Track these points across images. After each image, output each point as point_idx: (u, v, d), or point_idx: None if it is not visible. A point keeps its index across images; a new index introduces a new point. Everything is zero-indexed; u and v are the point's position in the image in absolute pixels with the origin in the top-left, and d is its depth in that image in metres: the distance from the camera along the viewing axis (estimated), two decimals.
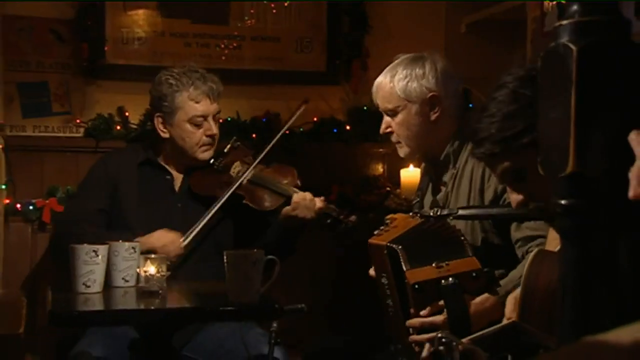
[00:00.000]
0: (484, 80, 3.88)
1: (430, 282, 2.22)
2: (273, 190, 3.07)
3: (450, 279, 2.21)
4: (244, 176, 3.05)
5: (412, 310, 2.27)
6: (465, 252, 2.30)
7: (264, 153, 3.11)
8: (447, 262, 2.24)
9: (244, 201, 3.03)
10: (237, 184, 3.02)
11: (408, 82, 2.66)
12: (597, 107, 0.95)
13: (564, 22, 0.98)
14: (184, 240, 2.89)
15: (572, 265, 0.97)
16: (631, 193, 0.90)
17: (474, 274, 2.24)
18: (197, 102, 3.01)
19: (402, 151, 2.75)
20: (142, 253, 2.58)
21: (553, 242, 1.93)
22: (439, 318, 2.24)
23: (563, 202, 0.97)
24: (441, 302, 2.24)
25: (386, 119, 2.75)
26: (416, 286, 2.21)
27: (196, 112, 3.01)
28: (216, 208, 2.95)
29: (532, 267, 1.61)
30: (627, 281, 0.94)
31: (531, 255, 1.66)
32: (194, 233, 2.92)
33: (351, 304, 3.91)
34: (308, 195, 3.00)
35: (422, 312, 2.25)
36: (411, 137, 2.70)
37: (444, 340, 1.30)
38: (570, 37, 0.97)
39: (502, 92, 1.82)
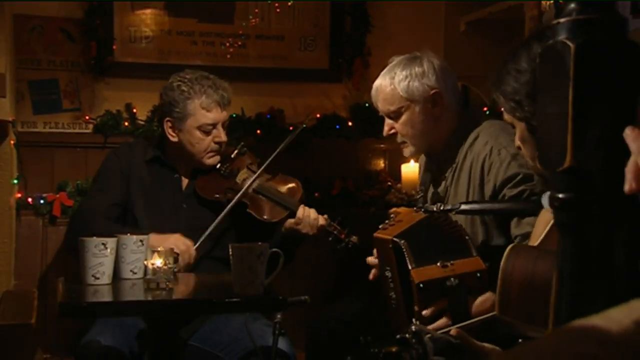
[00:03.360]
0: (482, 78, 3.95)
1: (435, 281, 2.24)
2: (277, 202, 3.08)
3: (455, 279, 2.23)
4: (249, 185, 3.05)
5: (416, 308, 2.28)
6: (469, 251, 2.31)
7: (268, 161, 3.09)
8: (452, 262, 2.26)
9: (248, 210, 3.04)
10: (242, 192, 3.02)
11: (409, 82, 2.65)
12: (594, 103, 0.95)
13: (562, 20, 0.99)
14: (194, 248, 2.89)
15: (568, 258, 0.98)
16: (626, 187, 0.91)
17: (478, 275, 2.26)
18: (208, 111, 3.00)
19: (408, 150, 2.75)
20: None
21: (538, 230, 1.96)
22: (440, 322, 2.26)
23: (560, 196, 0.97)
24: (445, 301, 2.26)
25: (388, 121, 2.74)
26: (421, 285, 2.23)
27: (207, 120, 3.00)
28: (221, 217, 2.95)
29: (508, 262, 1.63)
30: (622, 273, 0.95)
31: (506, 250, 1.68)
32: (201, 240, 2.91)
33: (354, 296, 3.95)
34: (312, 212, 3.01)
35: (424, 312, 2.26)
36: (417, 135, 2.69)
37: (413, 329, 1.31)
38: (568, 34, 0.97)
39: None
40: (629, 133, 0.92)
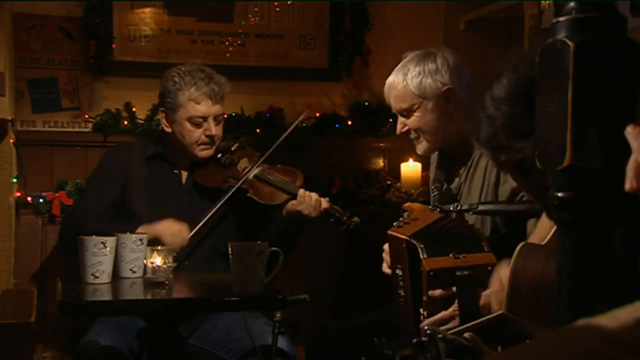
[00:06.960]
0: (482, 77, 3.95)
1: (446, 270, 2.22)
2: (278, 187, 3.09)
3: (466, 271, 2.21)
4: (251, 170, 3.08)
5: (424, 298, 2.26)
6: (482, 248, 2.29)
7: (271, 150, 3.13)
8: (464, 255, 2.24)
9: (248, 194, 3.05)
10: (244, 176, 3.05)
11: (422, 78, 2.64)
12: (594, 101, 0.96)
13: (561, 18, 1.00)
14: (190, 233, 2.92)
15: (568, 256, 0.99)
16: (627, 186, 0.91)
17: (489, 268, 2.23)
18: (197, 103, 3.02)
19: (422, 147, 2.73)
20: (148, 244, 2.60)
21: (540, 231, 1.95)
22: (447, 312, 2.24)
23: (560, 194, 0.98)
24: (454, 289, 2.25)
25: (401, 119, 2.73)
26: (431, 273, 2.22)
27: (196, 113, 3.02)
28: (222, 202, 2.98)
29: (518, 260, 1.63)
30: (622, 272, 0.95)
31: (517, 248, 1.67)
32: (199, 225, 2.94)
33: (354, 294, 3.97)
34: (314, 195, 3.02)
35: (432, 293, 2.24)
36: (430, 132, 2.68)
37: (428, 331, 1.31)
38: (568, 33, 0.98)
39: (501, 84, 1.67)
40: (630, 131, 0.92)
